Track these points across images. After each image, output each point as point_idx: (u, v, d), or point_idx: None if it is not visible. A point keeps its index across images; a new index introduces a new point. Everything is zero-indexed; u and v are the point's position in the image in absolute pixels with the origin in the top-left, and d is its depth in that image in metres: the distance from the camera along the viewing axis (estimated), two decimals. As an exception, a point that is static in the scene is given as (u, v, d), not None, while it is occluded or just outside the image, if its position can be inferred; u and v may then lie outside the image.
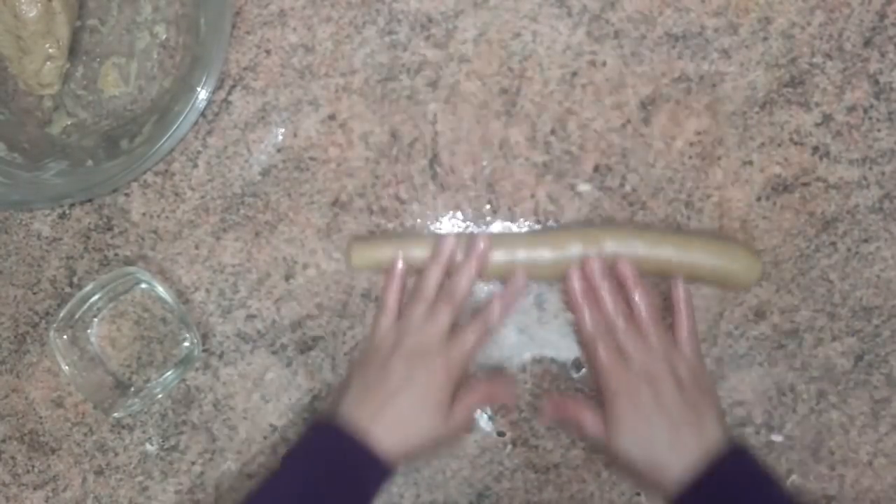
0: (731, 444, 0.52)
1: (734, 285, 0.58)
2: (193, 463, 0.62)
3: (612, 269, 0.56)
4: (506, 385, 0.59)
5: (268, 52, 0.60)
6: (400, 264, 0.58)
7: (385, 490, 0.54)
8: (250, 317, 0.62)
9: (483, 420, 0.61)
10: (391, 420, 0.53)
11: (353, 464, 0.52)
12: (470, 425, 0.60)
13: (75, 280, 0.63)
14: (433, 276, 0.57)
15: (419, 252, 0.58)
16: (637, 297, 0.56)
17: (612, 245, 0.56)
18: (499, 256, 0.57)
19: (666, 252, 0.57)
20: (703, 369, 0.56)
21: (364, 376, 0.55)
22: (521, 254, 0.57)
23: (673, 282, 0.57)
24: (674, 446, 0.52)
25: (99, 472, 0.63)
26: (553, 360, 0.60)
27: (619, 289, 0.56)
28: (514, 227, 0.60)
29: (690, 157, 0.59)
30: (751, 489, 0.51)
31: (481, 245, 0.57)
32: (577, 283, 0.57)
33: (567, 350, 0.60)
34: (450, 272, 0.58)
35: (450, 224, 0.60)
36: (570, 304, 0.58)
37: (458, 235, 0.58)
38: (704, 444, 0.51)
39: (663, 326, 0.56)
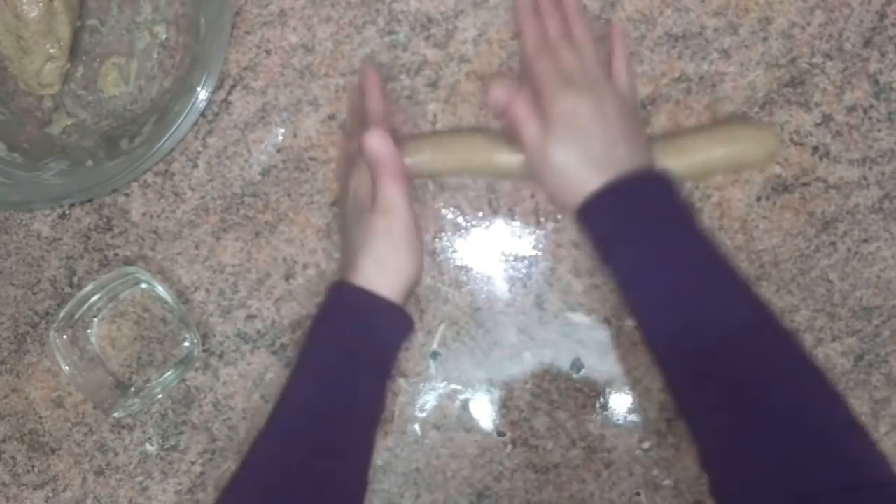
0: (658, 171, 0.52)
1: (752, 165, 0.58)
2: (193, 463, 0.62)
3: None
4: (371, 131, 0.54)
5: (268, 52, 0.60)
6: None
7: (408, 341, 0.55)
8: (250, 317, 0.62)
9: (483, 420, 0.61)
10: (346, 260, 0.55)
11: (377, 310, 0.53)
12: (397, 197, 0.54)
13: (75, 280, 0.63)
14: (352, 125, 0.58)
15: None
16: (576, 24, 0.56)
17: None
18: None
19: (673, 160, 0.56)
20: (634, 101, 0.56)
21: (342, 246, 0.58)
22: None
23: (611, 23, 0.58)
24: (606, 157, 0.51)
25: (99, 472, 0.63)
26: (553, 360, 0.60)
27: (560, 13, 0.56)
28: (515, 227, 0.60)
29: (690, 157, 0.59)
30: (655, 203, 0.51)
31: (370, 76, 0.58)
32: (525, 2, 0.56)
33: (567, 350, 0.60)
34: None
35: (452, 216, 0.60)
36: (516, 23, 0.57)
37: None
38: (636, 161, 0.51)
39: (599, 56, 0.55)
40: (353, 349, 0.52)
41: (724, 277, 0.50)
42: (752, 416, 0.45)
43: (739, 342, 0.47)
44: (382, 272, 0.53)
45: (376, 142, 0.53)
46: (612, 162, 0.51)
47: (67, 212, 0.63)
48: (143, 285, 0.61)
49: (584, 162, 0.51)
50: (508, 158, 0.57)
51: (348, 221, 0.56)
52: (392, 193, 0.53)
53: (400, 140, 0.56)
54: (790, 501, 0.42)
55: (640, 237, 0.50)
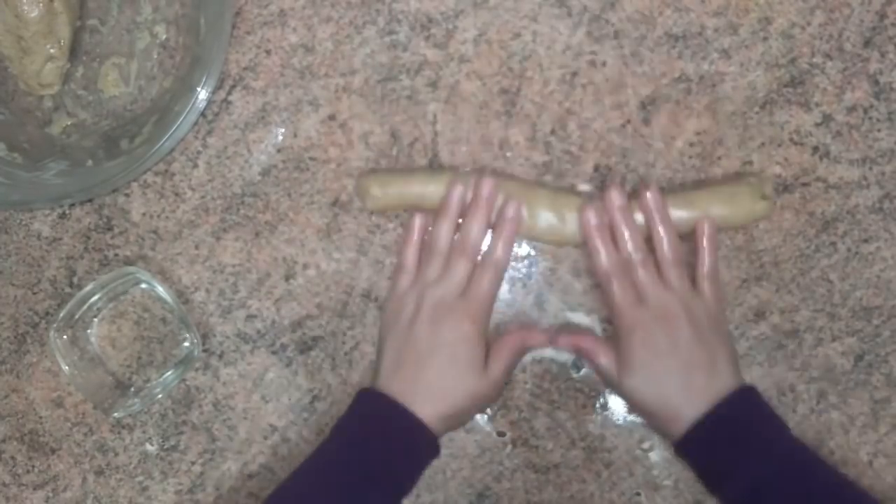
0: (741, 386, 0.51)
1: (749, 221, 0.58)
2: (193, 463, 0.62)
3: (635, 196, 0.55)
4: (536, 330, 0.58)
5: (268, 52, 0.60)
6: (419, 219, 0.57)
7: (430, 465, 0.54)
8: (250, 317, 0.62)
9: (483, 420, 0.61)
10: (427, 387, 0.52)
11: (402, 429, 0.51)
12: (507, 377, 0.57)
13: (75, 280, 0.63)
14: (444, 230, 0.56)
15: (434, 188, 0.57)
16: (660, 231, 0.54)
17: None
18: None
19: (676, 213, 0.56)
20: (721, 312, 0.55)
21: (393, 345, 0.55)
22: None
23: (699, 218, 0.55)
24: (685, 388, 0.51)
25: (99, 472, 0.63)
26: (553, 360, 0.60)
27: (636, 225, 0.55)
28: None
29: (690, 157, 0.59)
30: (754, 428, 0.50)
31: (486, 189, 0.55)
32: (593, 217, 0.55)
33: (567, 350, 0.60)
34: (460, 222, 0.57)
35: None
36: (585, 237, 0.56)
37: (464, 181, 0.56)
38: (716, 387, 0.51)
39: (683, 265, 0.54)
40: (375, 470, 0.51)
41: (838, 482, 0.50)
42: None
43: None
44: (451, 420, 0.53)
45: (536, 340, 0.57)
46: (691, 394, 0.51)
47: (67, 212, 0.63)
48: (143, 285, 0.61)
49: (660, 399, 0.52)
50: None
51: (437, 351, 0.53)
52: (510, 368, 0.56)
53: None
54: None
55: (746, 466, 0.49)
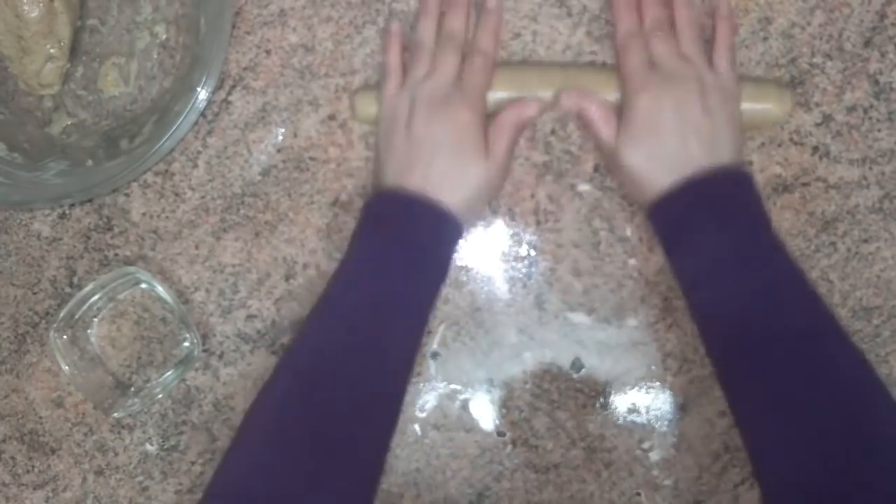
0: (736, 170, 0.51)
1: (770, 124, 0.57)
2: (193, 463, 0.62)
3: None
4: (527, 103, 0.55)
5: (268, 52, 0.60)
6: (397, 24, 0.57)
7: (457, 247, 0.55)
8: (250, 317, 0.62)
9: (483, 420, 0.61)
10: (440, 177, 0.52)
11: (429, 221, 0.52)
12: (510, 157, 0.56)
13: (75, 280, 0.63)
14: (426, 26, 0.56)
15: None
16: (682, 6, 0.54)
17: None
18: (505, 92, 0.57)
19: None
20: (733, 91, 0.53)
21: (394, 148, 0.54)
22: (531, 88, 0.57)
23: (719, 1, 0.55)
24: (678, 155, 0.50)
25: (99, 472, 0.63)
26: (553, 360, 0.60)
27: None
28: (515, 227, 0.60)
29: (690, 157, 0.59)
30: (729, 204, 0.50)
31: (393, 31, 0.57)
32: None
33: (567, 350, 0.60)
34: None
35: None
36: (612, 5, 0.55)
37: None
38: (710, 159, 0.50)
39: (701, 40, 0.54)
40: (409, 256, 0.52)
41: (791, 279, 0.49)
42: (805, 419, 0.44)
43: (801, 343, 0.47)
44: (471, 211, 0.54)
45: (528, 112, 0.54)
46: (684, 160, 0.50)
47: (67, 212, 0.63)
48: (143, 285, 0.61)
49: (652, 161, 0.51)
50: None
51: (438, 143, 0.53)
52: (509, 148, 0.55)
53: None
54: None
55: (706, 235, 0.49)
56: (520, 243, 0.60)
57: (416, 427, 0.61)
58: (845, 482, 0.42)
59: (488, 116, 0.55)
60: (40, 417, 0.63)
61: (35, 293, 0.63)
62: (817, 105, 0.58)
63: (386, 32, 0.58)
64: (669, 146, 0.51)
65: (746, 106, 0.55)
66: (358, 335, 0.51)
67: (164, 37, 0.62)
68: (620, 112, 0.54)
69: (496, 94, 0.56)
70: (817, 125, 0.58)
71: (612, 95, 0.55)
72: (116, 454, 0.63)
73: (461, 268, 0.61)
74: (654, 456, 0.60)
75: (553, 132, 0.59)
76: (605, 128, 0.54)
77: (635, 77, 0.52)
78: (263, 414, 0.49)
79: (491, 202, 0.59)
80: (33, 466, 0.63)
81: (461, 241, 0.54)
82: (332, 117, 0.60)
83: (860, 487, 0.42)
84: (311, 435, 0.47)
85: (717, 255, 0.49)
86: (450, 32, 0.56)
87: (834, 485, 0.42)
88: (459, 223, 0.53)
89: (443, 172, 0.53)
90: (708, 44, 0.55)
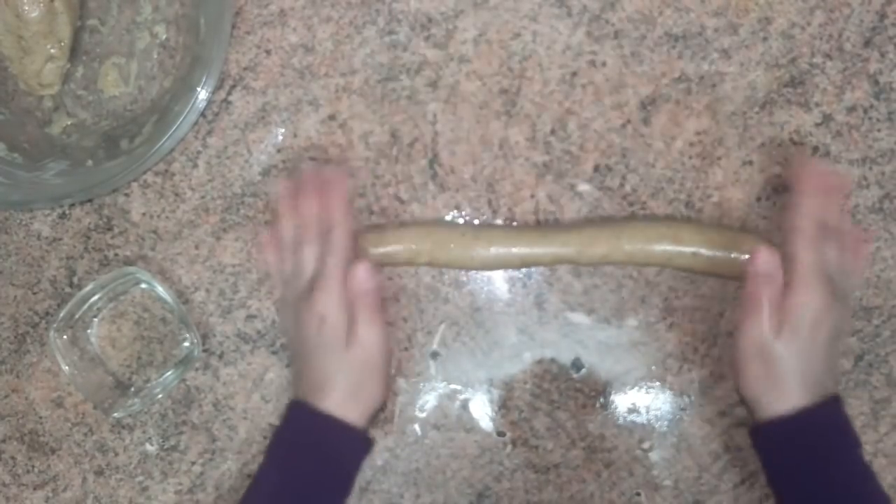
0: (837, 404, 0.51)
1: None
2: (193, 463, 0.62)
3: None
4: (357, 268, 0.53)
5: (268, 52, 0.60)
6: (265, 235, 0.57)
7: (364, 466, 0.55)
8: (250, 317, 0.62)
9: (483, 420, 0.61)
10: (319, 381, 0.53)
11: (326, 438, 0.53)
12: (380, 324, 0.54)
13: (75, 280, 0.63)
14: (283, 226, 0.56)
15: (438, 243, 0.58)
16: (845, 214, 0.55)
17: (628, 246, 0.57)
18: (495, 251, 0.58)
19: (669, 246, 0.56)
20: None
21: (292, 355, 0.58)
22: (519, 249, 0.58)
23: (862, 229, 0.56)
24: (817, 379, 0.50)
25: (99, 472, 0.63)
26: (553, 360, 0.60)
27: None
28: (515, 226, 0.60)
29: (690, 157, 0.59)
30: (833, 439, 0.51)
31: (306, 169, 0.56)
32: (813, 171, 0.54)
33: (567, 350, 0.60)
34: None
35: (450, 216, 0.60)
36: (797, 190, 0.53)
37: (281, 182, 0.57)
38: (831, 390, 0.51)
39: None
40: (316, 476, 0.52)
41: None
42: None
43: None
44: (356, 401, 0.53)
45: (363, 277, 0.52)
46: (817, 385, 0.50)
47: (67, 212, 0.63)
48: (143, 285, 0.61)
49: (802, 378, 0.50)
50: (484, 252, 0.57)
51: (310, 343, 0.53)
52: (376, 331, 0.53)
53: (369, 229, 0.58)
54: None
55: (816, 466, 0.50)
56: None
57: (416, 427, 0.61)
58: None
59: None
60: (40, 417, 0.63)
61: (35, 293, 0.63)
62: (817, 105, 0.58)
63: (259, 243, 0.59)
64: (819, 367, 0.51)
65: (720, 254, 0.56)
66: None
67: (164, 37, 0.62)
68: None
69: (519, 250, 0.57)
70: (817, 125, 0.58)
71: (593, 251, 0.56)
72: (116, 454, 0.63)
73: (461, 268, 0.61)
74: (654, 456, 0.60)
75: (553, 132, 0.59)
76: (764, 314, 0.51)
77: (813, 278, 0.50)
78: None
79: (384, 379, 0.55)
80: (33, 466, 0.63)
81: (362, 452, 0.55)
82: (332, 117, 0.60)
83: None
84: None
85: (821, 485, 0.50)
86: (301, 220, 0.55)
87: None
88: (357, 432, 0.53)
89: (319, 373, 0.53)
90: None
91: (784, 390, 0.50)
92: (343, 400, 0.53)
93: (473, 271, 0.60)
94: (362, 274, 0.53)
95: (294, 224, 0.55)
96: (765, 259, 0.51)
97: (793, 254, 0.51)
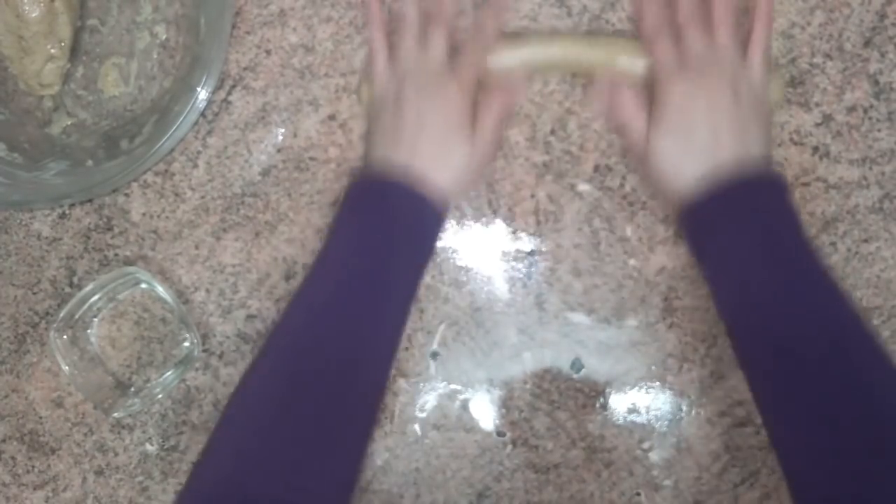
0: (768, 171, 0.50)
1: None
2: (193, 463, 0.62)
3: None
4: (517, 85, 0.56)
5: (268, 52, 0.60)
6: (375, 2, 0.57)
7: (440, 232, 0.54)
8: (250, 317, 0.62)
9: (483, 420, 0.61)
10: (426, 154, 0.52)
11: (410, 207, 0.51)
12: (498, 142, 0.56)
13: (75, 280, 0.63)
14: (410, 3, 0.56)
15: None
16: None
17: (625, 60, 0.55)
18: (512, 56, 0.57)
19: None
20: (764, 87, 0.53)
21: (383, 124, 0.54)
22: (536, 51, 0.57)
23: None
24: (709, 147, 0.50)
25: (99, 472, 0.63)
26: (553, 360, 0.60)
27: None
28: (515, 227, 0.60)
29: (690, 157, 0.59)
30: (764, 215, 0.49)
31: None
32: None
33: (567, 350, 0.60)
34: None
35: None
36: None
37: None
38: (740, 157, 0.49)
39: (735, 27, 0.53)
40: (393, 241, 0.51)
41: (819, 282, 0.48)
42: (834, 431, 0.44)
43: (831, 350, 0.46)
44: (461, 185, 0.53)
45: (515, 91, 0.54)
46: (714, 152, 0.49)
47: (67, 212, 0.63)
48: (143, 285, 0.61)
49: (683, 152, 0.50)
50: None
51: (429, 117, 0.52)
52: (499, 126, 0.54)
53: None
54: None
55: (735, 238, 0.49)
56: (520, 243, 0.60)
57: (416, 427, 0.61)
58: (875, 494, 0.42)
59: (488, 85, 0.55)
60: (40, 417, 0.63)
61: (35, 293, 0.63)
62: (817, 105, 0.58)
63: (365, 9, 0.58)
64: (700, 137, 0.50)
65: None
66: (338, 321, 0.50)
67: (164, 37, 0.62)
68: (650, 103, 0.53)
69: (511, 58, 0.56)
70: (817, 125, 0.58)
71: (629, 63, 0.55)
72: (116, 454, 0.63)
73: (461, 268, 0.61)
74: (654, 456, 0.60)
75: (553, 132, 0.59)
76: (635, 120, 0.53)
77: (668, 67, 0.52)
78: (241, 410, 0.49)
79: (481, 180, 0.59)
80: (33, 466, 0.63)
81: (444, 223, 0.54)
82: (332, 117, 0.60)
83: (887, 498, 0.41)
84: (289, 437, 0.47)
85: (746, 260, 0.49)
86: (438, 8, 0.55)
87: (863, 498, 0.42)
88: (440, 205, 0.53)
89: (429, 150, 0.52)
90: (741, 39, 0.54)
91: (677, 176, 0.50)
92: (446, 179, 0.52)
93: (474, 270, 0.60)
94: (509, 95, 0.55)
95: (417, 3, 0.56)
96: (601, 91, 0.55)
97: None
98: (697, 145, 0.50)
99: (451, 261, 0.60)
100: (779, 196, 0.50)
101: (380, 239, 0.51)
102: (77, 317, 0.61)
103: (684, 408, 0.60)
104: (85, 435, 0.63)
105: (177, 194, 0.62)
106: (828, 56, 0.58)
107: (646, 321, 0.60)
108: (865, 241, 0.59)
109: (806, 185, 0.59)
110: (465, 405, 0.61)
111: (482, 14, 0.56)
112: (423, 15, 0.56)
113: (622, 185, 0.59)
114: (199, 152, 0.61)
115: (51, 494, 0.63)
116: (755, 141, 0.51)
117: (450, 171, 0.53)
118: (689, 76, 0.51)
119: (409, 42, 0.55)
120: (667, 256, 0.59)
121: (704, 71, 0.51)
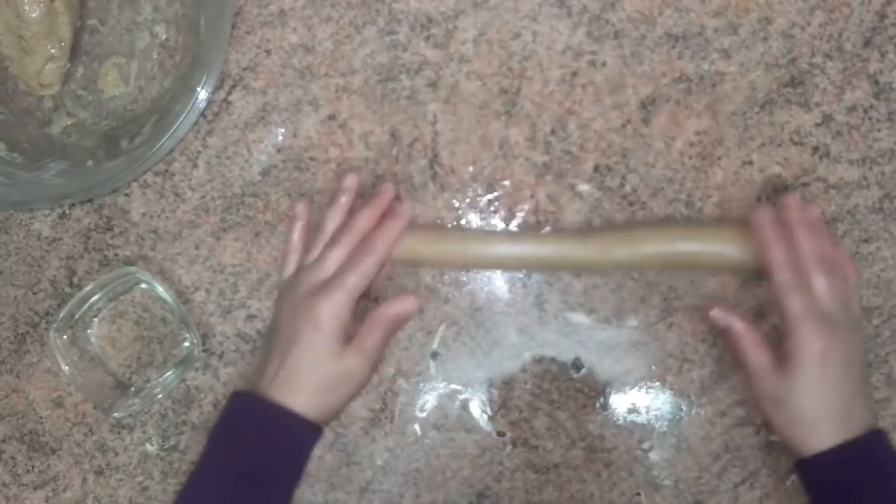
0: (878, 427, 0.51)
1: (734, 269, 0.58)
2: (193, 463, 0.62)
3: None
4: (406, 298, 0.55)
5: (268, 52, 0.60)
6: (303, 205, 0.58)
7: (312, 454, 0.54)
8: (250, 317, 0.62)
9: (483, 420, 0.61)
10: (288, 375, 0.52)
11: (273, 426, 0.52)
12: (380, 354, 0.55)
13: (75, 280, 0.63)
14: (331, 219, 0.57)
15: (460, 247, 0.58)
16: (822, 235, 0.53)
17: (620, 251, 0.56)
18: (500, 250, 0.58)
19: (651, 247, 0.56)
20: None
21: (268, 338, 0.56)
22: (524, 249, 0.57)
23: (839, 247, 0.54)
24: (846, 412, 0.50)
25: (99, 472, 0.63)
26: (553, 360, 0.60)
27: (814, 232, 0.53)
28: (515, 227, 0.60)
29: (690, 157, 0.59)
30: (885, 471, 0.50)
31: (387, 191, 0.57)
32: (766, 218, 0.53)
33: (567, 350, 0.60)
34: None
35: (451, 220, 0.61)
36: (760, 241, 0.53)
37: (359, 176, 0.58)
38: (867, 420, 0.50)
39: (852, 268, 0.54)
40: (259, 467, 0.51)
41: None
42: None
43: None
44: (320, 408, 0.52)
45: (395, 311, 0.54)
46: (850, 420, 0.50)
47: (67, 212, 0.63)
48: (143, 285, 0.61)
49: (826, 416, 0.50)
50: (506, 249, 0.57)
51: (298, 340, 0.52)
52: (379, 343, 0.54)
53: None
54: None
55: (863, 494, 0.49)
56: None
57: (416, 427, 0.61)
58: None
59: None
60: (40, 417, 0.63)
61: (35, 293, 0.63)
62: (817, 105, 0.58)
63: (291, 212, 0.58)
64: (842, 403, 0.50)
65: (708, 248, 0.56)
66: None
67: (164, 37, 0.62)
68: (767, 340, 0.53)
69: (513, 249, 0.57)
70: (817, 125, 0.58)
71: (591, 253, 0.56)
72: (116, 454, 0.63)
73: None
74: (654, 456, 0.60)
75: (553, 132, 0.59)
76: (755, 355, 0.52)
77: (807, 320, 0.50)
78: None
79: (356, 394, 0.55)
80: (33, 466, 0.63)
81: (313, 441, 0.53)
82: (332, 117, 0.60)
83: None
84: None
85: None
86: (351, 227, 0.55)
87: None
88: (303, 429, 0.52)
89: (292, 370, 0.52)
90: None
91: (813, 431, 0.50)
92: (309, 402, 0.52)
93: (474, 271, 0.60)
94: (400, 306, 0.54)
95: (340, 222, 0.56)
96: (718, 316, 0.54)
97: (778, 304, 0.52)
98: (837, 409, 0.50)
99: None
100: (892, 453, 0.51)
101: (243, 463, 0.51)
102: (77, 317, 0.61)
103: (684, 408, 0.60)
104: (85, 435, 0.63)
105: (177, 194, 0.62)
106: (828, 56, 0.58)
107: (646, 321, 0.60)
108: (865, 241, 0.59)
109: (806, 185, 0.59)
110: (465, 405, 0.61)
111: (379, 232, 0.55)
112: (335, 231, 0.56)
113: (622, 185, 0.59)
114: (199, 152, 0.61)
115: (51, 494, 0.63)
116: (871, 401, 0.53)
117: (311, 391, 0.52)
118: (828, 329, 0.50)
119: (313, 255, 0.56)
120: (667, 256, 0.59)
121: (837, 325, 0.51)
